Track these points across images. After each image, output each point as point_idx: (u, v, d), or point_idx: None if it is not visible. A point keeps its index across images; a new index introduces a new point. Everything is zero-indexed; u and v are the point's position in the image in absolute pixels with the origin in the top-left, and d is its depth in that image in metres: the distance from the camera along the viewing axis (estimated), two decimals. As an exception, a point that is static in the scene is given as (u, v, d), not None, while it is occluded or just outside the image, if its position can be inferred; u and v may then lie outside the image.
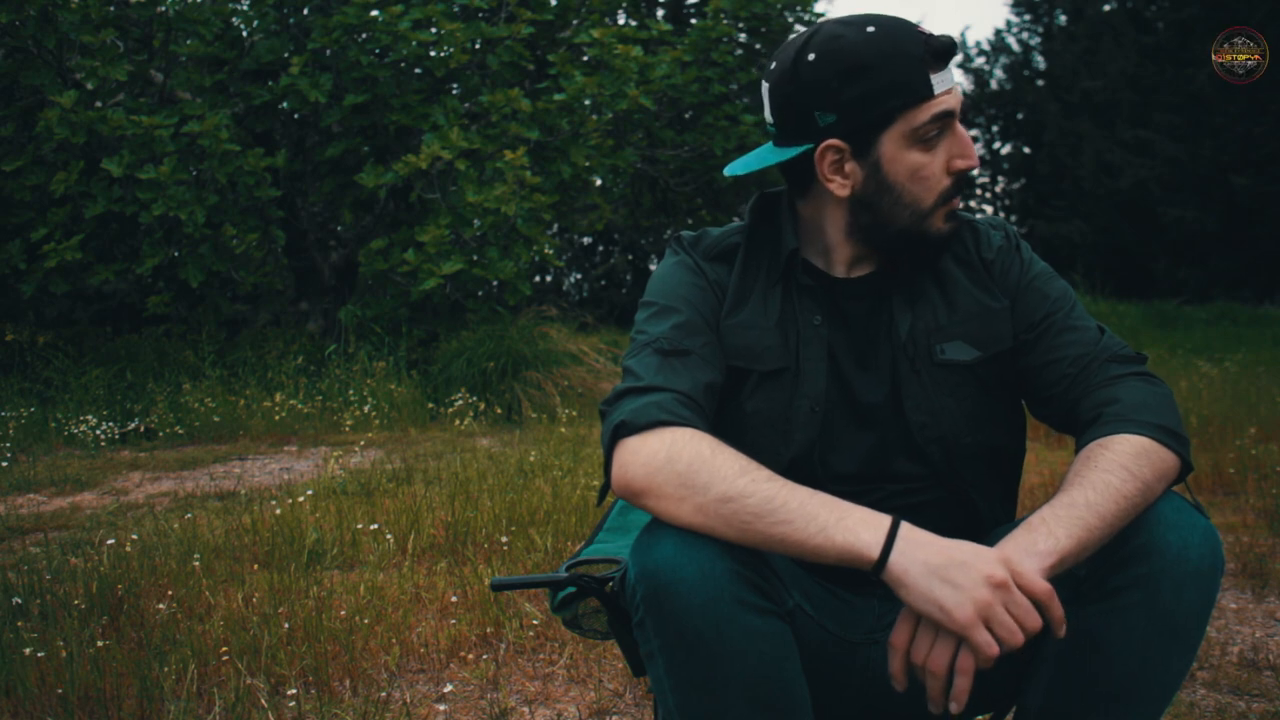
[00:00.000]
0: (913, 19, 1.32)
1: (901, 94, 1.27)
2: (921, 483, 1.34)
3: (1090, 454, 1.21)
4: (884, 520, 1.11)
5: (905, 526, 1.11)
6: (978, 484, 1.36)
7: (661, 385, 1.24)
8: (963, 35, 46.88)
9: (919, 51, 1.27)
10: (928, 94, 1.27)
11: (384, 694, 2.27)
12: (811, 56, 1.30)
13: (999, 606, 1.06)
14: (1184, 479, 1.25)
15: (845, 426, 1.35)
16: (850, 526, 1.10)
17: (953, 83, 1.30)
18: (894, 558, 1.09)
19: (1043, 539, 1.11)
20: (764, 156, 1.37)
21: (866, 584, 1.35)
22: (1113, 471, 1.17)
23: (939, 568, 1.08)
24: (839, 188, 1.33)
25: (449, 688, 2.32)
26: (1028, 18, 24.77)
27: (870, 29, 1.29)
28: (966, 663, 1.08)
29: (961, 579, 1.07)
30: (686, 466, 1.14)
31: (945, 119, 1.29)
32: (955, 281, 1.38)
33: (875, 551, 1.09)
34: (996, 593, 1.07)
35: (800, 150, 1.33)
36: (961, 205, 1.35)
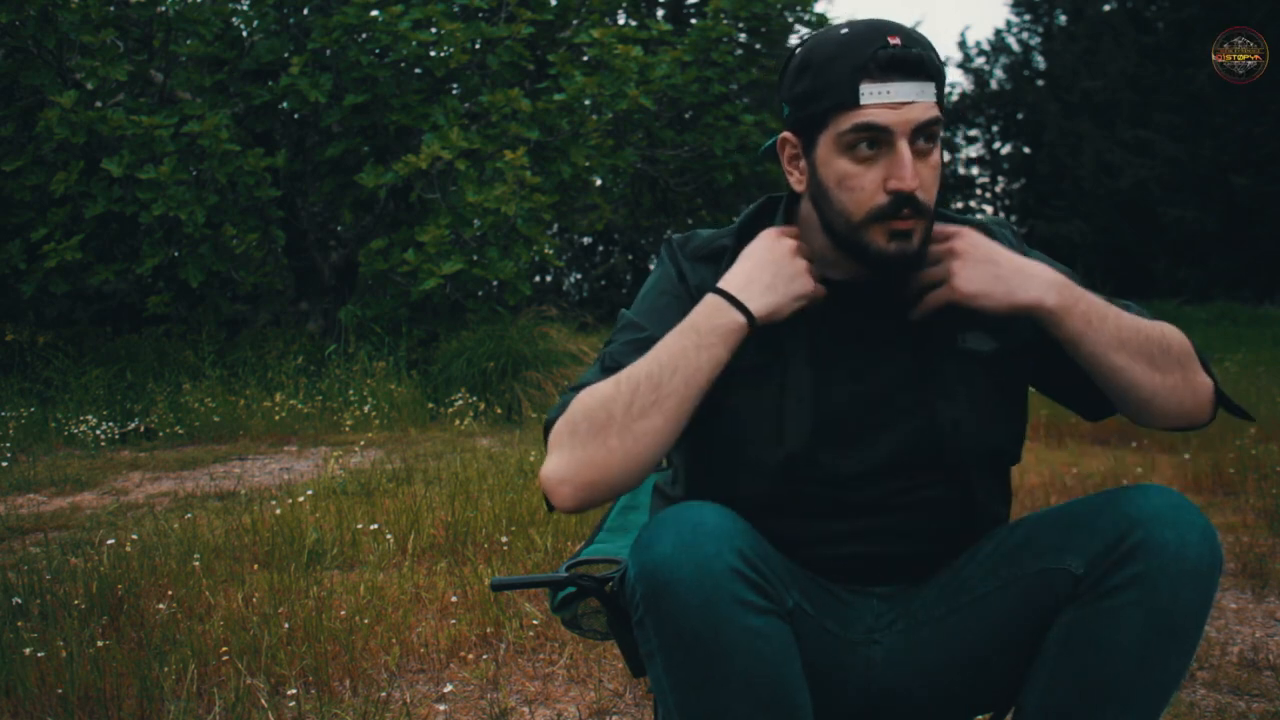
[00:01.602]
0: (911, 22, 1.31)
1: (828, 97, 1.24)
2: (923, 479, 1.33)
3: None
4: (716, 300, 1.25)
5: (729, 285, 1.25)
6: (979, 480, 1.35)
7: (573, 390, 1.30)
8: (963, 35, 46.90)
9: (861, 60, 1.22)
10: (852, 102, 1.22)
11: (384, 694, 2.27)
12: (798, 50, 1.33)
13: (802, 259, 1.27)
14: (1220, 397, 1.34)
15: (845, 420, 1.34)
16: (710, 327, 1.23)
17: (903, 100, 1.22)
18: (754, 308, 1.24)
19: (1057, 291, 1.25)
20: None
21: (867, 582, 1.35)
22: (1157, 325, 1.30)
23: (774, 281, 1.26)
24: (796, 182, 1.35)
25: (449, 688, 2.32)
26: (1028, 18, 24.76)
27: (844, 30, 1.27)
28: None
29: (788, 270, 1.27)
30: (586, 425, 1.22)
31: (874, 132, 1.22)
32: None
33: (741, 318, 1.24)
34: (797, 255, 1.28)
35: (772, 140, 1.39)
36: (913, 222, 1.29)
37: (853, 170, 1.25)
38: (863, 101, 1.22)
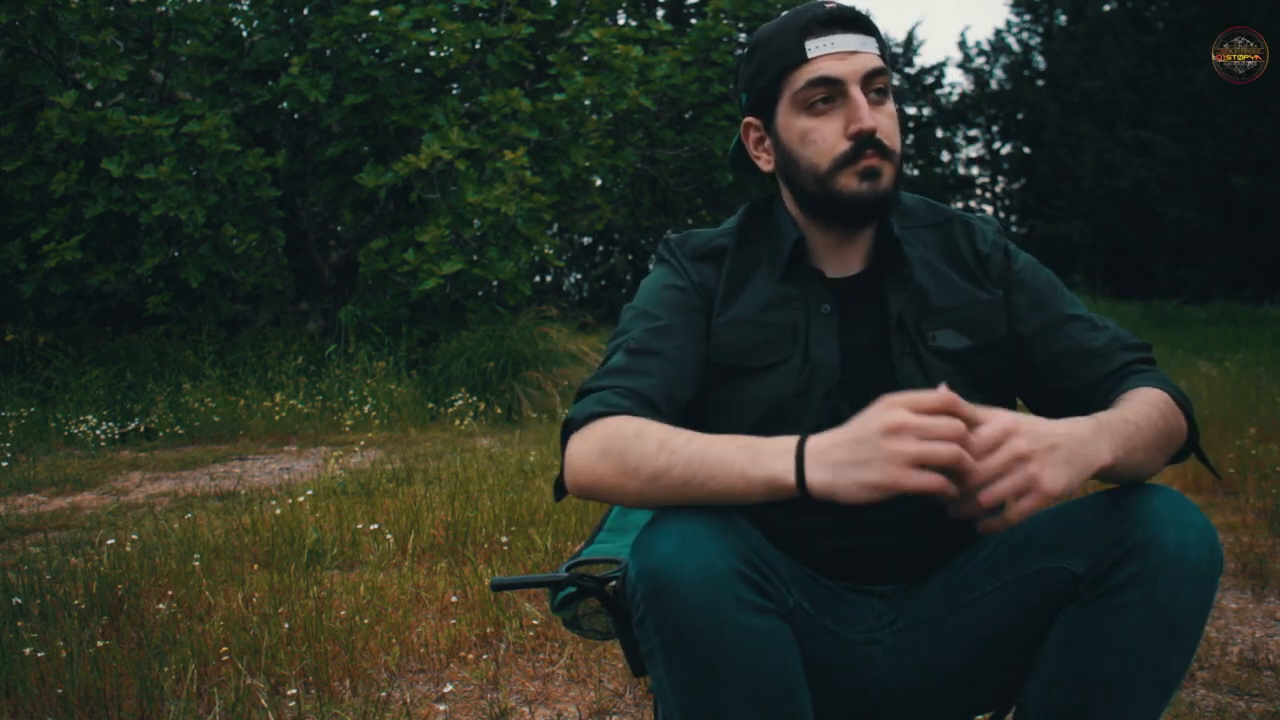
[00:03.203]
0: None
1: (777, 63, 1.33)
2: None
3: (1126, 397, 1.25)
4: (791, 444, 1.10)
5: (812, 440, 1.09)
6: None
7: (608, 384, 1.29)
8: (963, 35, 46.92)
9: (802, 21, 1.31)
10: (800, 58, 1.31)
11: (384, 694, 2.27)
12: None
13: (911, 444, 1.04)
14: (1195, 444, 1.29)
15: (845, 415, 1.35)
16: (764, 463, 1.10)
17: (848, 50, 1.30)
18: (809, 476, 1.08)
19: (1105, 444, 1.12)
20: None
21: (868, 581, 1.35)
22: (1151, 406, 1.22)
23: (846, 459, 1.06)
24: (764, 163, 1.42)
25: (449, 688, 2.32)
26: (1028, 18, 24.78)
27: (785, 12, 1.37)
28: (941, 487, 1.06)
29: (867, 452, 1.05)
30: (619, 455, 1.19)
31: (828, 84, 1.30)
32: (947, 275, 1.39)
33: (791, 478, 1.08)
34: (901, 437, 1.04)
35: (738, 134, 1.44)
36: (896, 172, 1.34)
37: (812, 124, 1.32)
38: (810, 55, 1.30)
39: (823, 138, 1.31)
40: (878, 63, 1.31)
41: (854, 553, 1.34)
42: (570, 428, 1.25)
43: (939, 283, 1.38)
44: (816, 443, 1.09)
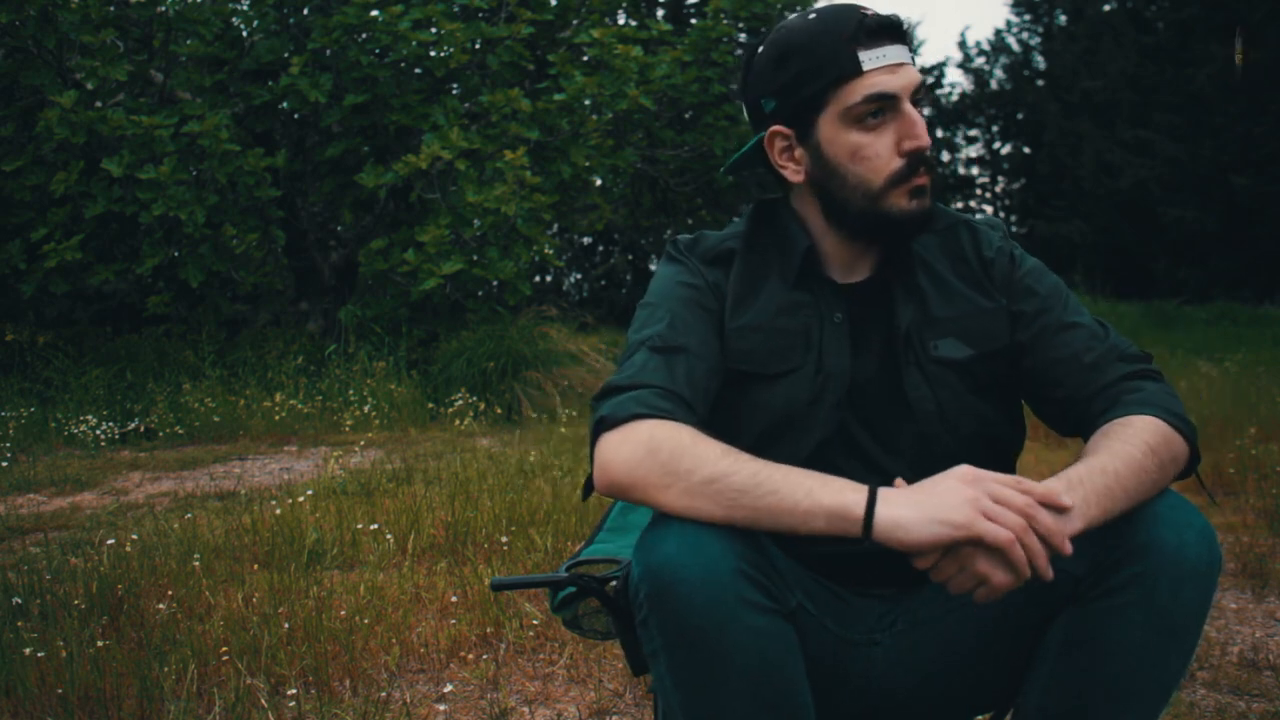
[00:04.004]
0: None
1: (828, 73, 1.27)
2: (918, 470, 1.34)
3: (1111, 429, 1.22)
4: (864, 486, 1.13)
5: (885, 488, 1.14)
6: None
7: (644, 381, 1.25)
8: (963, 35, 46.94)
9: (849, 30, 1.26)
10: (854, 72, 1.26)
11: (384, 694, 2.27)
12: (760, 48, 1.34)
13: (984, 498, 1.10)
14: (1194, 468, 1.26)
15: (851, 426, 1.35)
16: (836, 489, 1.12)
17: (897, 62, 1.27)
18: (880, 509, 1.11)
19: (1079, 502, 1.13)
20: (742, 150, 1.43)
21: (868, 583, 1.35)
22: (1135, 445, 1.18)
23: (920, 499, 1.11)
24: (792, 174, 1.36)
25: (449, 688, 2.32)
26: (1028, 18, 24.77)
27: (811, 15, 1.31)
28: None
29: (944, 493, 1.11)
30: (669, 456, 1.15)
31: (883, 100, 1.27)
32: (950, 281, 1.38)
33: (860, 509, 1.11)
34: (976, 485, 1.11)
35: (756, 139, 1.37)
36: (930, 184, 1.32)
37: (865, 140, 1.28)
38: (865, 68, 1.26)
39: (876, 154, 1.28)
40: (919, 75, 1.29)
41: (855, 555, 1.34)
42: (604, 425, 1.21)
43: (942, 290, 1.37)
44: (890, 489, 1.14)
